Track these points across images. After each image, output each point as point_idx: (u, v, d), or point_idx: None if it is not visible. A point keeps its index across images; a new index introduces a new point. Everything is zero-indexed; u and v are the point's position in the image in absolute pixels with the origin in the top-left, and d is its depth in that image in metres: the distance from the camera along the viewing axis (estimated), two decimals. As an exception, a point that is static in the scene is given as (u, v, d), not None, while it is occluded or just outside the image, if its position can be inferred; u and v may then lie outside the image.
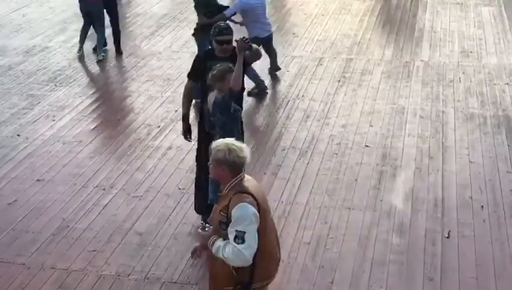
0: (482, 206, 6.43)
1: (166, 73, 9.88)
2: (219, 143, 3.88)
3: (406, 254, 5.77)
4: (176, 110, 8.61)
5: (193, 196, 6.69)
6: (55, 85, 9.59)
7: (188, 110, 6.05)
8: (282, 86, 9.31)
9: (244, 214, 3.76)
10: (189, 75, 6.04)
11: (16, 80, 9.78)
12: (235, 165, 3.84)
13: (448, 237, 5.99)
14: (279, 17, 12.14)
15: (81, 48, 10.56)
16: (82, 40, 10.59)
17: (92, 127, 8.30)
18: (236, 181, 3.88)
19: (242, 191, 3.82)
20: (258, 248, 3.83)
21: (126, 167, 7.32)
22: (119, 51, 10.67)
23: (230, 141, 3.89)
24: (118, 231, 6.20)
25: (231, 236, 3.79)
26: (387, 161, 7.30)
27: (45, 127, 8.31)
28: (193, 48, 10.72)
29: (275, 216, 6.23)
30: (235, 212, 3.77)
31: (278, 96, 8.99)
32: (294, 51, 10.61)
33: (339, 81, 9.41)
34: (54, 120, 8.50)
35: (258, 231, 3.82)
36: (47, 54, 10.78)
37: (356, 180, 6.93)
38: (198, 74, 5.88)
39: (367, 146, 7.61)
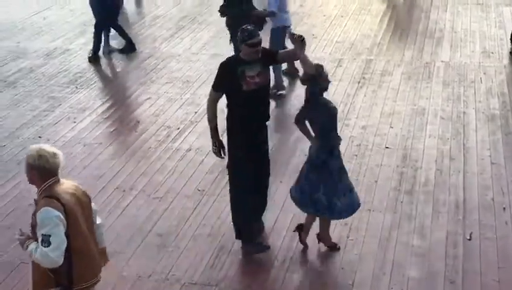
0: (504, 208, 6.36)
1: (186, 75, 9.91)
2: (32, 148, 4.03)
3: (427, 256, 5.73)
4: (196, 112, 8.63)
5: (213, 197, 6.72)
6: (76, 87, 9.66)
7: (216, 122, 5.69)
8: (301, 89, 9.26)
9: (46, 217, 3.89)
10: (215, 86, 5.63)
11: (37, 82, 9.88)
12: (44, 170, 3.98)
13: (470, 239, 5.93)
14: (298, 19, 12.11)
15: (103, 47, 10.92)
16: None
17: (112, 129, 8.35)
18: (47, 185, 4.01)
19: (49, 196, 3.95)
20: (71, 250, 3.97)
21: (146, 168, 7.36)
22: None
23: (43, 146, 4.02)
24: (139, 232, 6.23)
25: (39, 239, 3.93)
26: (408, 162, 7.25)
27: (66, 129, 8.38)
28: (212, 50, 10.78)
29: (294, 217, 6.23)
30: (39, 215, 3.92)
31: (298, 98, 8.96)
32: (314, 52, 10.56)
33: (359, 82, 9.37)
34: (74, 122, 8.56)
35: (68, 233, 3.94)
36: (68, 57, 10.87)
37: (376, 181, 6.90)
38: (224, 83, 5.57)
39: (387, 147, 7.57)
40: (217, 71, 5.65)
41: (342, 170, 5.63)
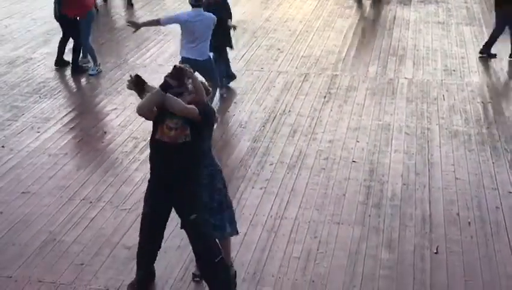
0: (469, 223, 6.49)
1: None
2: None
3: (395, 269, 5.80)
4: (163, 124, 8.58)
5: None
6: (39, 97, 9.51)
7: None
8: (268, 101, 9.34)
9: None
10: None
11: (0, 91, 9.68)
12: None
13: (436, 253, 6.03)
14: (264, 33, 12.19)
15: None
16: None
17: (77, 140, 8.23)
18: None
19: None
20: None
21: (113, 179, 7.27)
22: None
23: None
24: (106, 244, 6.14)
25: None
26: (375, 176, 7.34)
27: (30, 139, 8.22)
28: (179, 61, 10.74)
29: (264, 230, 6.25)
30: None
31: (265, 110, 9.01)
32: (280, 66, 10.66)
33: (325, 97, 9.47)
34: (38, 132, 8.41)
35: None
36: (31, 65, 10.70)
37: (344, 195, 6.96)
38: None
39: (354, 161, 7.65)
40: None
41: None
